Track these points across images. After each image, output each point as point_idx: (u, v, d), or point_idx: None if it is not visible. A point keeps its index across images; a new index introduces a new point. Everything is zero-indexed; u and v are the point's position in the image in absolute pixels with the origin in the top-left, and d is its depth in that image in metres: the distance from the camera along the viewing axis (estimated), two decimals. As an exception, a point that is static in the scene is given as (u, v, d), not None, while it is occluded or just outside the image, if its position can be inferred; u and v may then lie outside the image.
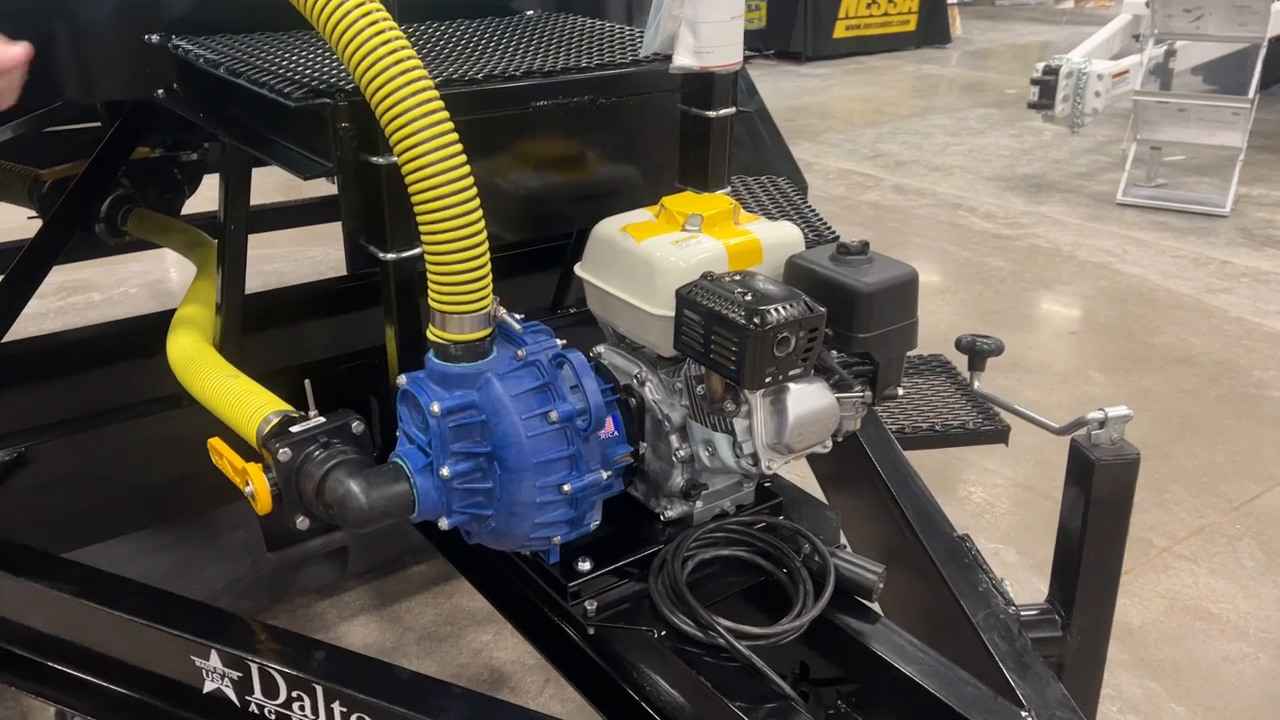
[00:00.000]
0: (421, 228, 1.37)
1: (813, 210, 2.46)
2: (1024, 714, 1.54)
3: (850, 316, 1.51)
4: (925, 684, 1.48)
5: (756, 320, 1.38)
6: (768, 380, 1.43)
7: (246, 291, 2.13)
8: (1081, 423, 1.82)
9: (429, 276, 1.42)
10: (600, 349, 1.76)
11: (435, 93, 1.34)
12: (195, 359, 1.90)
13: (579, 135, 1.82)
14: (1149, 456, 3.70)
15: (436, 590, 3.10)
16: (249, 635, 1.65)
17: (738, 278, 1.48)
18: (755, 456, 1.54)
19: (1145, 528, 3.46)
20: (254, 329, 2.28)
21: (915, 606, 1.92)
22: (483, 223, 1.38)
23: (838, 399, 1.54)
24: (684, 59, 1.70)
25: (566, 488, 1.48)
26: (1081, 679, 1.89)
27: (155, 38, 1.92)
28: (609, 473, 1.54)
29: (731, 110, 1.85)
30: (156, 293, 5.19)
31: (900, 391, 1.62)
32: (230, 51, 1.83)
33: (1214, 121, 6.75)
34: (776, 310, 1.40)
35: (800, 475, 2.15)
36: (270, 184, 2.81)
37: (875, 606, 1.64)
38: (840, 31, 12.33)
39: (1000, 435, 2.56)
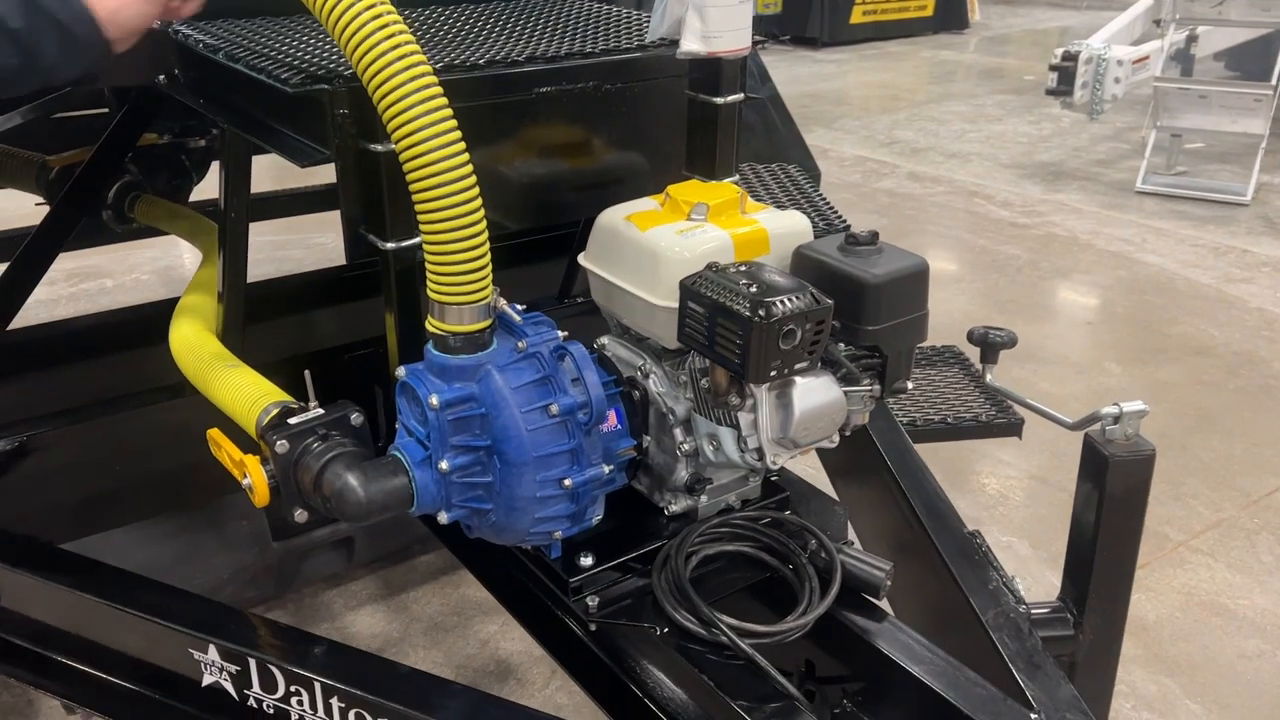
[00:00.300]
0: (420, 217, 1.35)
1: (824, 198, 2.42)
2: (1033, 716, 1.51)
3: (858, 308, 1.48)
4: (933, 684, 1.45)
5: (761, 312, 1.35)
6: (773, 374, 1.40)
7: (257, 279, 2.11)
8: (1095, 418, 1.78)
9: (427, 267, 1.39)
10: (604, 340, 1.73)
11: (434, 79, 1.31)
12: (196, 348, 1.88)
13: (584, 122, 1.79)
14: (1166, 449, 3.66)
15: (444, 580, 3.09)
16: (248, 630, 1.64)
17: (743, 268, 1.45)
18: (760, 451, 1.51)
19: (1161, 521, 3.41)
20: (258, 317, 2.26)
21: (924, 603, 1.89)
22: (482, 212, 1.35)
23: (845, 393, 1.50)
24: (691, 44, 1.67)
25: (567, 482, 1.45)
26: (1094, 679, 1.85)
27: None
28: (611, 467, 1.52)
29: (739, 97, 1.81)
30: (168, 279, 5.19)
31: (910, 385, 1.59)
32: (230, 37, 1.80)
33: (1236, 108, 6.65)
34: (782, 302, 1.37)
35: (809, 467, 2.12)
36: (277, 171, 2.79)
37: (883, 604, 1.61)
38: (857, 17, 12.21)
39: (1014, 428, 2.52)
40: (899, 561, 1.71)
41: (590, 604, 1.56)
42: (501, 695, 2.66)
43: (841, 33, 12.10)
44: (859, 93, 10.22)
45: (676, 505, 1.68)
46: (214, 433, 1.59)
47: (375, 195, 1.55)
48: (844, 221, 2.25)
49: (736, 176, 1.87)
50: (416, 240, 1.55)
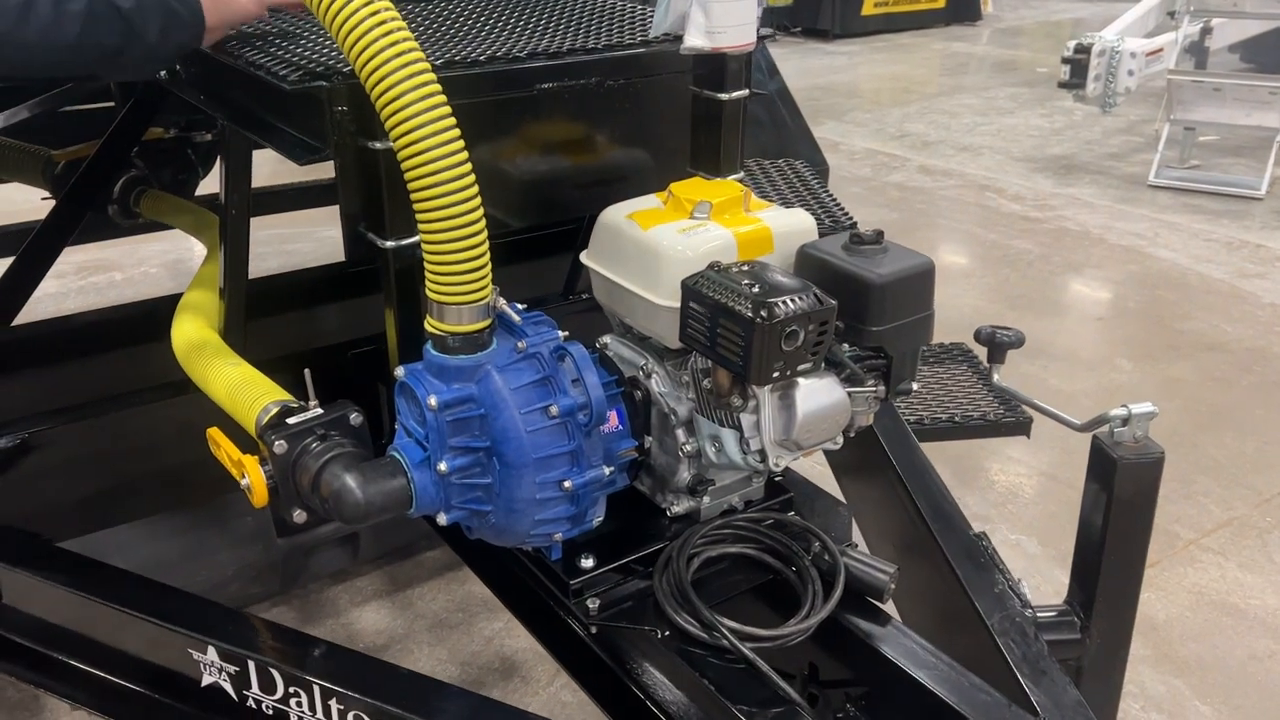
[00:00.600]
0: (418, 217, 1.33)
1: (830, 195, 2.40)
2: (1038, 721, 1.50)
3: (863, 309, 1.46)
4: (936, 690, 1.44)
5: (764, 313, 1.33)
6: (775, 375, 1.39)
7: (263, 273, 2.10)
8: (1104, 420, 1.76)
9: (426, 267, 1.38)
10: (607, 339, 1.71)
11: (432, 77, 1.30)
12: (198, 345, 1.87)
13: (586, 119, 1.77)
14: (1177, 446, 3.65)
15: (449, 576, 3.08)
16: (247, 631, 1.64)
17: (746, 268, 1.43)
18: (763, 453, 1.49)
19: (1172, 520, 3.38)
20: (261, 313, 2.25)
21: (929, 605, 1.88)
22: (481, 211, 1.34)
23: (849, 394, 1.49)
24: (695, 39, 1.65)
25: (567, 484, 1.44)
26: (1101, 684, 1.83)
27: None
28: (612, 468, 1.51)
29: (745, 93, 1.79)
30: (177, 272, 5.18)
31: (915, 386, 1.57)
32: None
33: (1250, 101, 6.58)
34: (785, 303, 1.35)
35: (814, 462, 2.10)
36: (282, 165, 2.78)
37: (889, 607, 1.60)
38: (869, 8, 12.15)
39: (1022, 427, 2.50)
40: (904, 563, 1.70)
41: (591, 606, 1.55)
42: (506, 693, 2.67)
43: (853, 25, 12.04)
44: (870, 85, 10.17)
45: (679, 506, 1.66)
46: (213, 432, 1.58)
47: (374, 193, 1.54)
48: (850, 218, 2.23)
49: (741, 173, 1.85)
50: (416, 239, 1.53)
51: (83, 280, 5.09)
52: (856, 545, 1.63)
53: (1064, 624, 1.83)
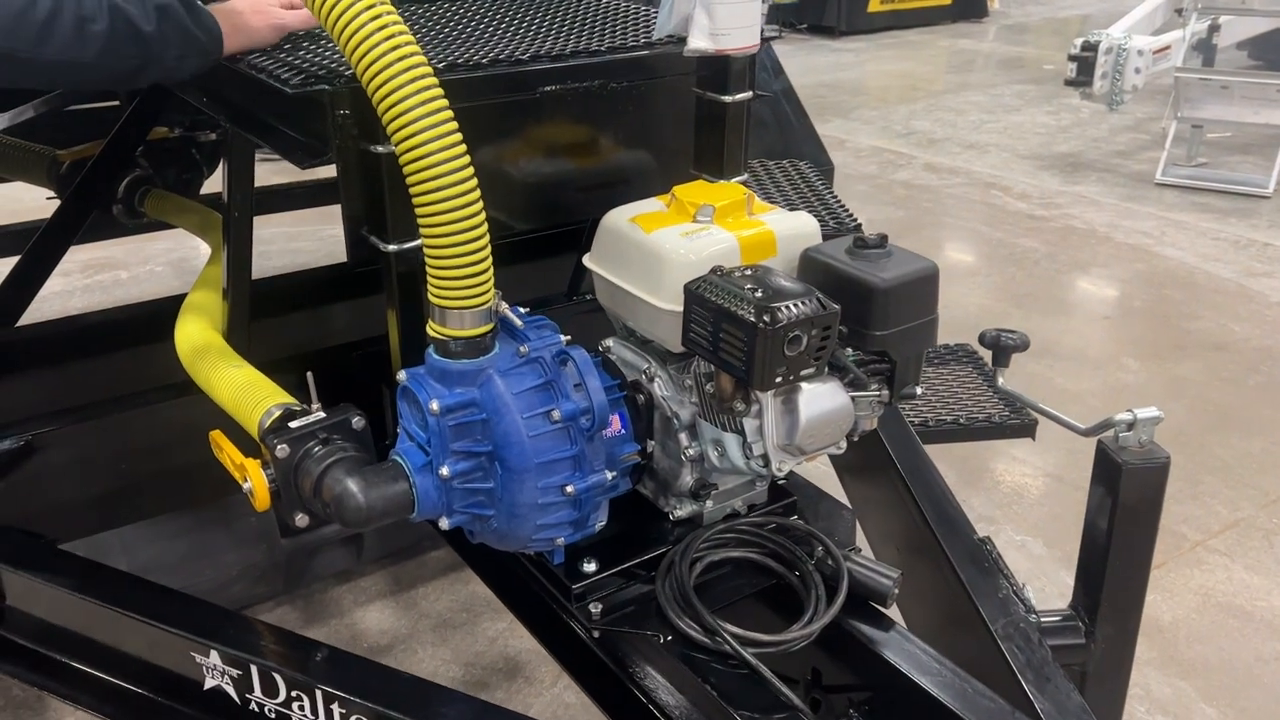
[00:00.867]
0: (420, 221, 1.33)
1: (835, 196, 2.39)
2: (1042, 728, 1.49)
3: (866, 313, 1.46)
4: (939, 695, 1.43)
5: (767, 318, 1.33)
6: (778, 380, 1.38)
7: (267, 272, 2.10)
8: (1109, 424, 1.75)
9: (428, 271, 1.37)
10: (609, 342, 1.71)
11: (434, 80, 1.29)
12: (201, 347, 1.87)
13: (589, 121, 1.76)
14: (1183, 446, 3.63)
15: (453, 576, 3.07)
16: (250, 634, 1.64)
17: (749, 272, 1.43)
18: (766, 458, 1.49)
19: (1178, 520, 3.37)
20: (264, 314, 2.25)
21: (932, 610, 1.87)
22: (483, 215, 1.33)
23: (853, 398, 1.48)
24: (699, 41, 1.64)
25: (569, 489, 1.44)
26: (1105, 689, 1.83)
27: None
28: (614, 473, 1.50)
29: (749, 95, 1.79)
30: (182, 271, 5.19)
31: (919, 390, 1.56)
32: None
33: (1258, 99, 6.55)
34: (788, 308, 1.34)
35: (818, 465, 2.09)
36: (286, 164, 2.78)
37: (893, 612, 1.59)
38: (875, 5, 12.11)
39: (1027, 429, 2.48)
40: (907, 567, 1.69)
41: (593, 610, 1.55)
42: (509, 694, 2.67)
43: (859, 22, 12.01)
44: (876, 82, 10.14)
45: (682, 510, 1.66)
46: (216, 434, 1.58)
47: (376, 196, 1.54)
48: (855, 220, 2.22)
49: (745, 175, 1.85)
50: (419, 242, 1.52)
51: (88, 279, 5.10)
52: (860, 549, 1.63)
53: (1068, 629, 1.82)
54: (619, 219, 1.62)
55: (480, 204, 1.32)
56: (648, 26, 1.93)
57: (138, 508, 2.32)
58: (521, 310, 1.46)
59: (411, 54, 1.28)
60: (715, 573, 1.59)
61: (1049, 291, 5.26)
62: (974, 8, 13.19)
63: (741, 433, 1.50)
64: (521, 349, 1.43)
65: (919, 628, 1.72)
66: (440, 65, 1.58)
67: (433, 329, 1.41)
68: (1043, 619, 1.79)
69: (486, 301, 1.39)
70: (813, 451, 1.49)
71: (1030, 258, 5.64)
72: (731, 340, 1.37)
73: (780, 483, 1.73)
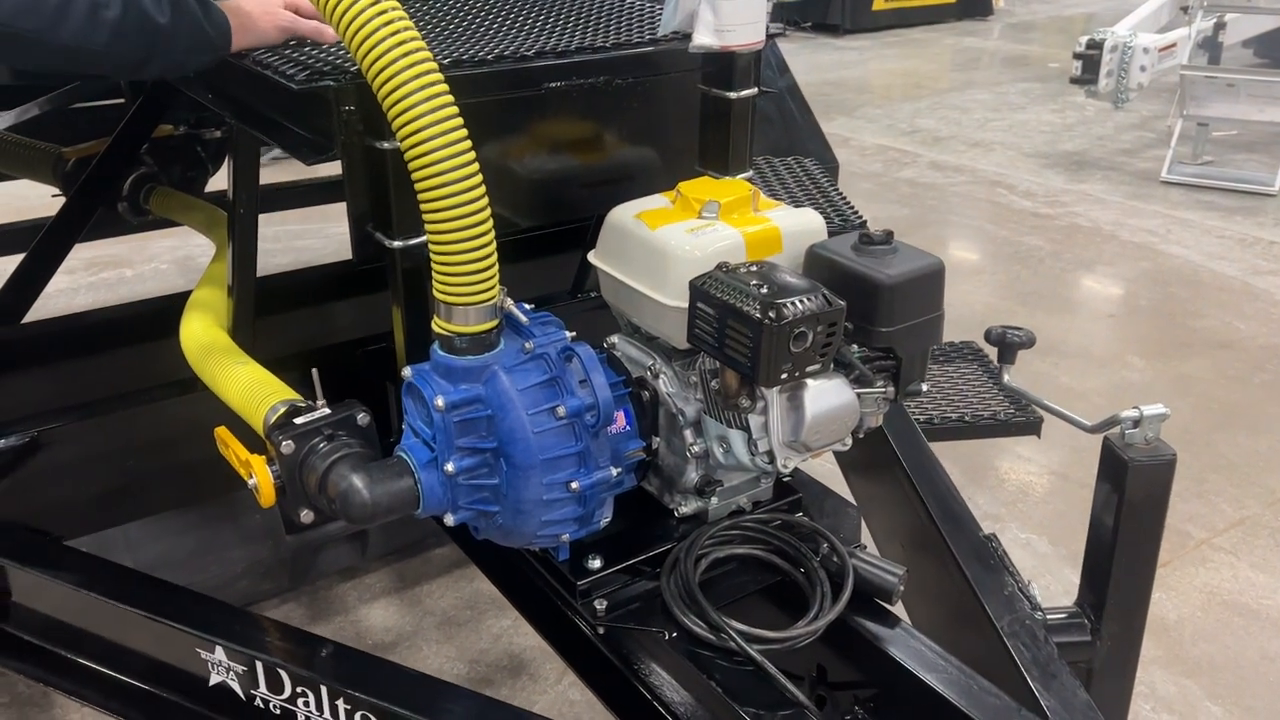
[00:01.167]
0: (425, 217, 1.33)
1: (840, 193, 2.39)
2: (1048, 725, 1.49)
3: (872, 310, 1.45)
4: (945, 692, 1.43)
5: (772, 315, 1.33)
6: (784, 377, 1.38)
7: (272, 270, 2.10)
8: (1115, 421, 1.74)
9: (433, 267, 1.37)
10: (614, 339, 1.71)
11: (439, 77, 1.29)
12: (206, 344, 1.87)
13: (594, 118, 1.76)
14: (1189, 445, 3.62)
15: (458, 574, 3.08)
16: (255, 631, 1.64)
17: (754, 268, 1.43)
18: (771, 454, 1.48)
19: (1184, 519, 3.36)
20: (269, 311, 2.25)
21: (938, 607, 1.87)
22: (488, 212, 1.33)
23: (858, 395, 1.48)
24: (704, 38, 1.64)
25: (574, 485, 1.43)
26: (1111, 686, 1.82)
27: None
28: (619, 469, 1.50)
29: (754, 91, 1.78)
30: (187, 269, 5.19)
31: (925, 387, 1.56)
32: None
33: (1264, 97, 6.53)
34: (793, 304, 1.34)
35: (823, 462, 2.09)
36: (292, 161, 2.78)
37: (898, 609, 1.59)
38: (879, 3, 12.09)
39: (1032, 427, 2.48)
40: (913, 564, 1.69)
41: (598, 607, 1.54)
42: (514, 691, 2.67)
43: (864, 20, 11.99)
44: (881, 80, 10.13)
45: (687, 507, 1.66)
46: (221, 431, 1.58)
47: (382, 193, 1.54)
48: (860, 217, 2.22)
49: (750, 172, 1.84)
50: (424, 238, 1.52)
51: (93, 276, 5.11)
52: (865, 546, 1.63)
53: (1074, 626, 1.82)
54: (624, 215, 1.62)
55: (485, 200, 1.32)
56: (653, 23, 1.93)
57: (143, 504, 2.32)
58: (526, 306, 1.46)
59: (417, 50, 1.28)
60: (720, 569, 1.59)
61: (1054, 289, 5.25)
62: (979, 5, 13.16)
63: (747, 429, 1.50)
64: (526, 345, 1.43)
65: (924, 625, 1.72)
66: (445, 61, 1.58)
67: (438, 325, 1.41)
68: (1048, 616, 1.79)
69: (491, 298, 1.39)
70: (818, 448, 1.49)
71: (1035, 256, 5.63)
72: (737, 336, 1.37)
73: (785, 479, 1.73)
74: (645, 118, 1.81)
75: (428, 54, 1.29)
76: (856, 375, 1.48)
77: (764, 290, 1.36)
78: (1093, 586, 1.83)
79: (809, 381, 1.43)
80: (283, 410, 1.54)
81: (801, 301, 1.35)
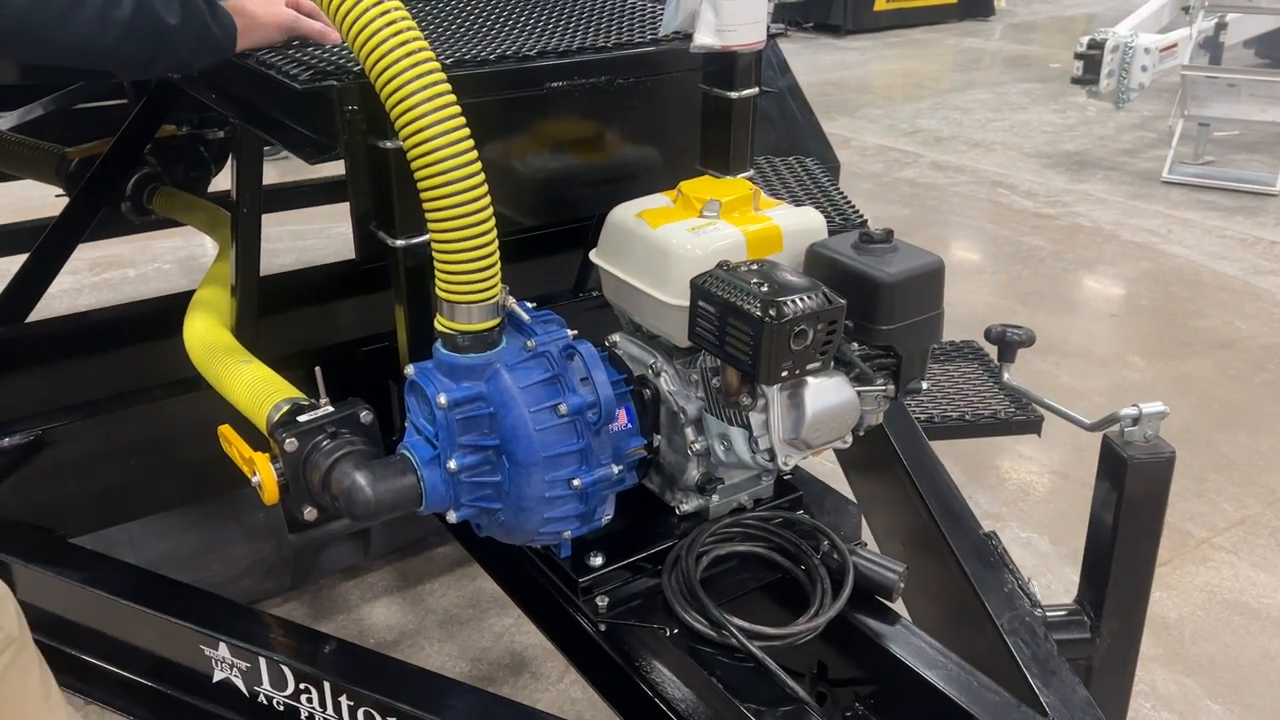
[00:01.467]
0: (428, 215, 1.34)
1: (841, 193, 2.39)
2: (1047, 721, 1.49)
3: (872, 308, 1.46)
4: (945, 689, 1.44)
5: (772, 313, 1.34)
6: (784, 374, 1.39)
7: (275, 270, 2.10)
8: (1114, 419, 1.75)
9: (436, 265, 1.38)
10: (616, 337, 1.72)
11: (442, 76, 1.30)
12: (210, 343, 1.88)
13: (596, 117, 1.77)
14: (1189, 444, 3.63)
15: (460, 572, 3.08)
16: (258, 627, 1.65)
17: (755, 267, 1.44)
18: (772, 452, 1.49)
19: (1184, 518, 3.37)
20: (272, 311, 2.26)
21: (938, 604, 1.87)
22: (490, 210, 1.34)
23: (858, 393, 1.49)
24: (705, 37, 1.65)
25: (576, 482, 1.44)
26: (1111, 683, 1.83)
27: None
28: (620, 467, 1.51)
29: (755, 91, 1.79)
30: (190, 269, 5.20)
31: (925, 385, 1.57)
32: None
33: (1266, 97, 6.54)
34: (793, 302, 1.35)
35: (824, 460, 2.09)
36: (294, 162, 2.79)
37: (898, 606, 1.60)
38: (881, 4, 12.10)
39: (1033, 425, 2.49)
40: (913, 561, 1.70)
41: (600, 604, 1.55)
42: (516, 689, 2.68)
43: (865, 20, 11.99)
44: (882, 81, 10.13)
45: (688, 505, 1.66)
46: (224, 429, 1.59)
47: (385, 192, 1.55)
48: (861, 217, 2.22)
49: (751, 172, 1.85)
50: (426, 237, 1.53)
51: (96, 276, 5.12)
52: (866, 544, 1.63)
53: (1074, 623, 1.82)
54: (625, 214, 1.62)
55: (488, 199, 1.33)
56: (654, 23, 1.93)
57: (146, 502, 2.33)
58: (529, 305, 1.47)
59: (419, 49, 1.29)
60: (721, 567, 1.60)
61: (1055, 289, 5.26)
62: (980, 6, 13.17)
63: (747, 427, 1.51)
64: (529, 343, 1.44)
65: (924, 622, 1.72)
66: (448, 61, 1.59)
67: (441, 323, 1.42)
68: (1048, 613, 1.80)
69: (494, 296, 1.40)
70: (818, 446, 1.50)
71: (1036, 255, 5.64)
72: (738, 335, 1.38)
73: (786, 477, 1.74)
74: (647, 117, 1.82)
75: (430, 54, 1.30)
76: (857, 373, 1.49)
77: (765, 288, 1.37)
78: (1092, 584, 1.84)
79: (809, 379, 1.43)
80: (286, 408, 1.55)
81: (802, 300, 1.36)
